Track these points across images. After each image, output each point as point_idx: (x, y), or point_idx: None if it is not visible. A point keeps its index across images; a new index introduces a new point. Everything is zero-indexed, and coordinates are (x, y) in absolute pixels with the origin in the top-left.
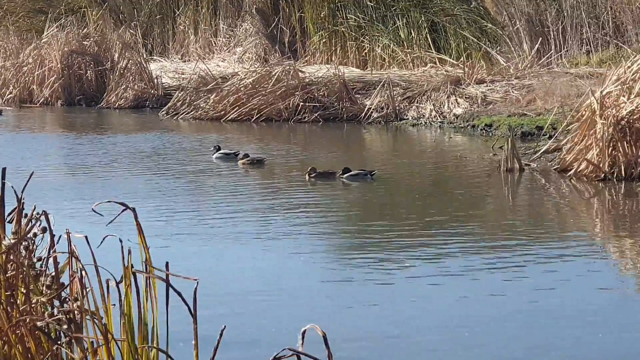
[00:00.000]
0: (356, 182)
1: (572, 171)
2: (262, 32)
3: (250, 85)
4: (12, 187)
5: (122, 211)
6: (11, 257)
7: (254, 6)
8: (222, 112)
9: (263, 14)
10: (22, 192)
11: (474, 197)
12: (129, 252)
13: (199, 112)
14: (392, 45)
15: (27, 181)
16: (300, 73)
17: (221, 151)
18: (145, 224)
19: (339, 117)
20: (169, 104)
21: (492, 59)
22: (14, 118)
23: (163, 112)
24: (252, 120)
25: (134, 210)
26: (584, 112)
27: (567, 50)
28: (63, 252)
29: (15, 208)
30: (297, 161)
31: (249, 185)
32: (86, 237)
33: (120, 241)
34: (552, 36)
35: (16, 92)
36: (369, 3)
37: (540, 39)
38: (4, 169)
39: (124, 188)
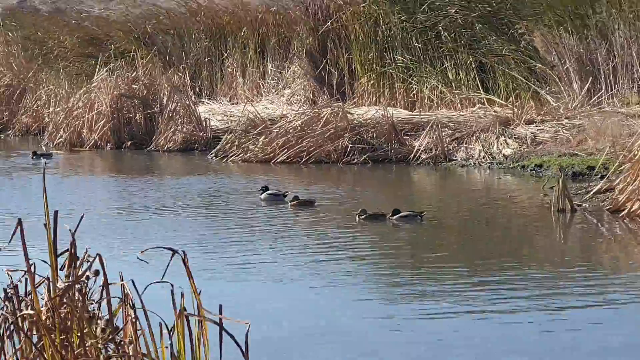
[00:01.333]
0: (406, 223)
1: (625, 211)
2: (310, 74)
3: (299, 127)
4: (70, 229)
5: (172, 257)
6: (65, 300)
7: (302, 48)
8: (271, 154)
9: (311, 56)
10: (73, 234)
11: (524, 238)
12: (182, 295)
13: (248, 154)
14: (440, 86)
15: (78, 223)
16: (348, 115)
17: (269, 192)
18: (195, 266)
19: (387, 158)
20: (218, 147)
21: (541, 99)
22: (64, 161)
23: (212, 155)
24: (301, 162)
25: (183, 253)
26: (636, 152)
27: (618, 90)
28: (115, 297)
29: (66, 250)
30: (347, 203)
31: (298, 227)
32: (132, 281)
33: (172, 285)
34: (603, 75)
35: (66, 135)
36: (416, 44)
37: (591, 78)
38: (56, 212)
39: (173, 230)
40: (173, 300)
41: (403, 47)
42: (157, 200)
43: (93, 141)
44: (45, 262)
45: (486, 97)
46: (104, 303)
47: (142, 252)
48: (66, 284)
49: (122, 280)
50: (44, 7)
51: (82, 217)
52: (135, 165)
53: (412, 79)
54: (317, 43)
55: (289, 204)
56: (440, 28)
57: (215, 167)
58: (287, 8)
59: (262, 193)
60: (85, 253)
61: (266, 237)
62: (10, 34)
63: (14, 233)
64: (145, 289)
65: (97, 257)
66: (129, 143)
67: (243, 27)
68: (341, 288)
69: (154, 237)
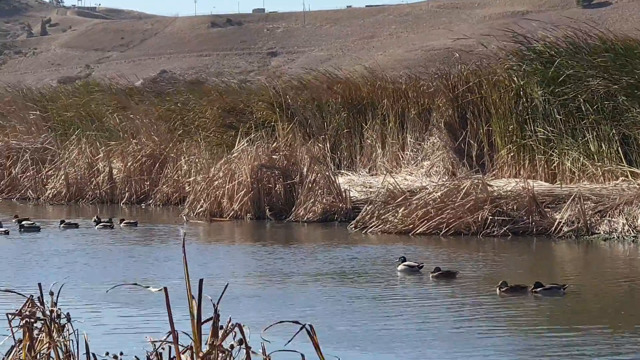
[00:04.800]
0: (549, 296)
1: None
2: (450, 146)
3: (438, 199)
4: (212, 300)
5: (300, 330)
6: None
7: (442, 120)
8: (411, 226)
9: (450, 128)
10: (217, 303)
11: None
12: None
13: (387, 225)
14: (581, 158)
15: (222, 292)
16: (488, 187)
17: (405, 263)
18: (331, 334)
19: (528, 231)
20: (358, 217)
21: None
22: (204, 231)
23: (351, 226)
24: (440, 233)
25: (310, 327)
26: None
27: None
28: None
29: (210, 318)
30: (487, 275)
31: (439, 298)
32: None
33: (302, 356)
34: None
35: (207, 205)
36: (557, 116)
37: None
38: (200, 281)
39: (312, 299)
40: None
41: (544, 119)
42: (298, 269)
43: (233, 211)
44: (186, 333)
45: (630, 169)
46: None
47: (265, 329)
48: (210, 352)
49: (264, 350)
50: (183, 78)
51: (226, 285)
52: (275, 235)
53: (553, 151)
54: (457, 114)
55: (430, 275)
56: (581, 99)
57: (354, 238)
58: (427, 80)
59: (399, 264)
60: (229, 322)
61: (405, 308)
62: (151, 105)
63: (159, 290)
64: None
65: (237, 327)
66: (268, 213)
67: (383, 99)
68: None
69: (294, 305)
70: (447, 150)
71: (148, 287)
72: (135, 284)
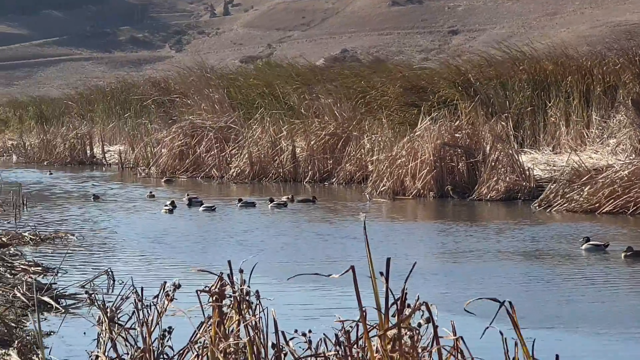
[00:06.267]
0: None
1: None
2: (637, 124)
3: (625, 178)
4: (398, 277)
5: (500, 307)
6: (397, 347)
7: (629, 97)
8: (596, 205)
9: (638, 105)
10: (405, 281)
11: None
12: (515, 344)
13: (572, 204)
14: None
15: (411, 270)
16: None
17: (590, 242)
18: (522, 315)
19: None
20: (542, 196)
21: None
22: (387, 209)
23: (535, 204)
24: (628, 212)
25: (510, 303)
26: None
27: None
28: (444, 346)
29: (398, 298)
30: None
31: (625, 278)
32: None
33: (501, 334)
34: None
35: (389, 184)
36: None
37: None
38: (388, 259)
39: (495, 277)
40: (506, 349)
41: None
42: (481, 247)
43: (415, 190)
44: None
45: None
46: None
47: (467, 303)
48: (398, 330)
49: (453, 327)
50: (364, 57)
51: (414, 264)
52: (458, 214)
53: None
54: None
55: (622, 254)
56: None
57: (538, 217)
58: (612, 57)
59: (584, 243)
60: (417, 301)
61: (590, 287)
62: (333, 84)
63: (344, 272)
64: (483, 334)
65: (424, 305)
66: (451, 191)
67: (567, 76)
68: None
69: (478, 284)
70: (634, 128)
71: (330, 275)
72: (317, 273)
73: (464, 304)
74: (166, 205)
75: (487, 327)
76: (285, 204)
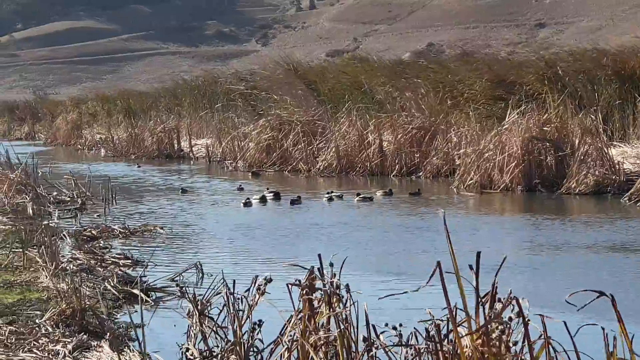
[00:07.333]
0: None
1: None
2: None
3: None
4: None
5: (597, 297)
6: (486, 341)
7: None
8: None
9: None
10: (495, 275)
11: None
12: (614, 339)
13: None
14: None
15: (501, 264)
16: None
17: None
18: (602, 308)
19: None
20: (632, 190)
21: None
22: (475, 203)
23: (625, 198)
24: None
25: (611, 297)
26: None
27: None
28: (537, 340)
29: (487, 293)
30: None
31: None
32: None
33: (603, 329)
34: None
35: (477, 177)
36: None
37: None
38: (478, 254)
39: (585, 272)
40: (607, 344)
41: None
42: (572, 241)
43: (503, 184)
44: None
45: None
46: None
47: (570, 295)
48: (488, 324)
49: (543, 322)
50: (450, 50)
51: (504, 258)
52: (547, 208)
53: None
54: None
55: None
56: None
57: (629, 211)
58: None
59: None
60: (509, 295)
61: None
62: (419, 78)
63: (432, 274)
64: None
65: (515, 300)
66: (539, 185)
67: None
68: None
69: (569, 278)
70: None
71: (417, 289)
72: (406, 292)
73: (567, 296)
74: (255, 199)
75: (584, 325)
76: (371, 197)
